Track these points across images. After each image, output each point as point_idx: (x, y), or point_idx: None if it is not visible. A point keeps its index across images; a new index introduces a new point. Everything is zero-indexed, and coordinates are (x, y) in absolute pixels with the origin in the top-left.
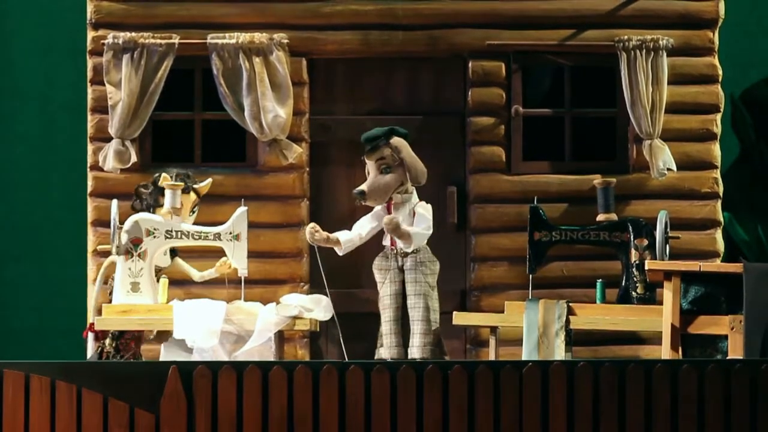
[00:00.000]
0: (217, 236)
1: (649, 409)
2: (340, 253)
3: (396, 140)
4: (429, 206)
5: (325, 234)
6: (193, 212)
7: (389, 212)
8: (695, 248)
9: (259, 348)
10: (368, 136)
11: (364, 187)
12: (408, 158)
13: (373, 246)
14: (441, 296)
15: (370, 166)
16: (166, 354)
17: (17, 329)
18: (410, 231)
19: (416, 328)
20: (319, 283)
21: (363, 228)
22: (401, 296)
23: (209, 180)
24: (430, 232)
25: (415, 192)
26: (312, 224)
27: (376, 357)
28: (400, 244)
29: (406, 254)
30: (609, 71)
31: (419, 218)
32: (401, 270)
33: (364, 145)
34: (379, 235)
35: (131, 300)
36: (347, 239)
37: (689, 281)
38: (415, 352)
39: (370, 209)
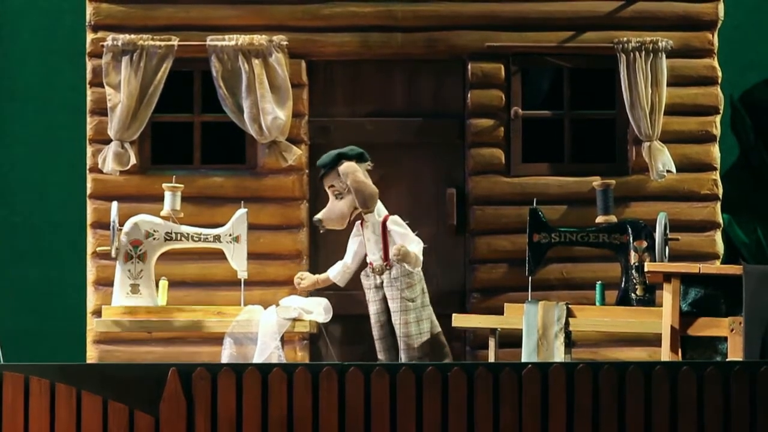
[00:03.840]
0: (217, 238)
1: (649, 411)
2: (342, 285)
3: (344, 166)
4: (398, 217)
5: (313, 278)
6: None
7: (362, 231)
8: (694, 250)
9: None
10: (318, 164)
11: (320, 215)
12: (354, 184)
13: None
14: (441, 298)
15: (327, 190)
16: (228, 345)
17: (17, 331)
18: (413, 252)
19: (401, 344)
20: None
21: (348, 257)
22: (384, 313)
23: None
24: (420, 242)
25: (379, 205)
26: (299, 273)
27: None
28: (408, 267)
29: (382, 271)
30: (608, 73)
31: (400, 238)
32: (380, 287)
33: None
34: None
35: (131, 302)
36: (336, 274)
37: (689, 283)
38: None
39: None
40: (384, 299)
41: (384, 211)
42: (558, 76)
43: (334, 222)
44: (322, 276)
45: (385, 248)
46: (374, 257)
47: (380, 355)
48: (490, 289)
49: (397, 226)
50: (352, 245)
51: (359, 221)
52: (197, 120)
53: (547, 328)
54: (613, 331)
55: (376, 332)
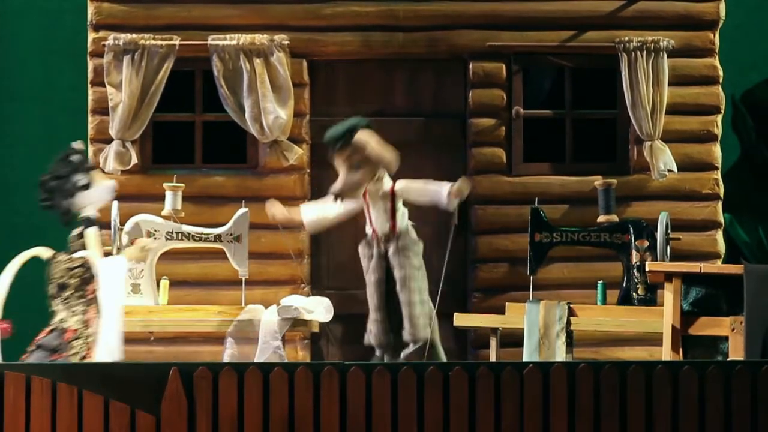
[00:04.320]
0: (218, 238)
1: (650, 410)
2: (308, 230)
3: (360, 136)
4: (404, 180)
5: (284, 210)
6: None
7: (365, 201)
8: (696, 249)
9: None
10: (331, 138)
11: (339, 186)
12: (373, 152)
13: None
14: (442, 297)
15: (339, 164)
16: (230, 344)
17: (18, 331)
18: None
19: (405, 311)
20: (320, 286)
21: (330, 209)
22: (385, 282)
23: None
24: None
25: (386, 176)
26: (271, 199)
27: (365, 341)
28: (462, 197)
29: (388, 240)
30: (610, 72)
31: (419, 191)
32: (384, 257)
33: (327, 144)
34: (361, 222)
35: (131, 301)
36: (311, 220)
37: (690, 282)
38: (406, 335)
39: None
40: (387, 269)
41: (389, 181)
42: (559, 76)
43: (354, 192)
44: (294, 212)
45: (392, 217)
46: (382, 225)
47: (375, 327)
48: (492, 288)
49: (410, 182)
50: (344, 205)
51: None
52: (198, 119)
53: (548, 328)
54: (615, 330)
55: (375, 302)
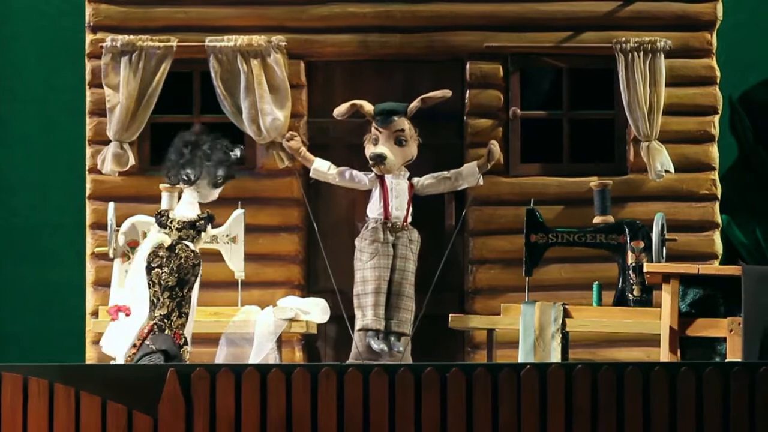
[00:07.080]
0: (214, 239)
1: (648, 412)
2: (312, 175)
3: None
4: (416, 178)
5: (300, 145)
6: None
7: (385, 185)
8: (693, 250)
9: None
10: (390, 108)
11: (384, 152)
12: (416, 138)
13: None
14: (439, 298)
15: (384, 136)
16: (224, 345)
17: (16, 332)
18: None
19: (402, 303)
20: (317, 288)
21: (340, 170)
22: (388, 270)
23: None
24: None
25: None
26: (291, 132)
27: (359, 328)
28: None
29: (396, 230)
30: (607, 73)
31: (438, 178)
32: (392, 245)
33: (380, 114)
34: (363, 207)
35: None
36: (319, 165)
37: (688, 284)
38: (400, 326)
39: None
40: (392, 257)
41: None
42: (557, 77)
43: (394, 163)
44: (309, 155)
45: (408, 209)
46: (397, 213)
47: (372, 311)
48: (488, 289)
49: (423, 179)
50: (347, 174)
51: (376, 174)
52: (196, 121)
53: (543, 329)
54: (611, 331)
55: (376, 286)
